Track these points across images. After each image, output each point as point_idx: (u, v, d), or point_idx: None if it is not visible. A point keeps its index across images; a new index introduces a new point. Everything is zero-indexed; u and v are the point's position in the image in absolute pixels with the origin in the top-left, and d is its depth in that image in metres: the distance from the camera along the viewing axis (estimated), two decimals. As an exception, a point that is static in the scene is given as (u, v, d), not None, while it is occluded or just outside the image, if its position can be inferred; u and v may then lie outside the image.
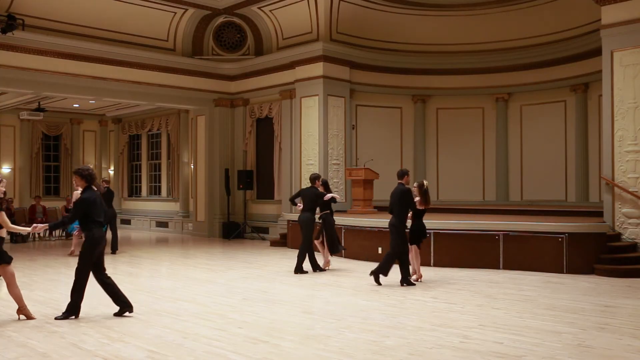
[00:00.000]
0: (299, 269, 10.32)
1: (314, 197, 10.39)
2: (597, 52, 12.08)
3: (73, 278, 6.79)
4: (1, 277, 6.82)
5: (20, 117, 20.55)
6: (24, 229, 7.18)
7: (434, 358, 5.16)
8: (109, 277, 6.92)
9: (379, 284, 8.95)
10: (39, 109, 19.46)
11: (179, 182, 19.92)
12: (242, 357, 5.22)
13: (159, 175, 21.57)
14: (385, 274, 9.00)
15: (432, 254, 11.07)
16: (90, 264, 6.79)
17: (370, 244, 11.94)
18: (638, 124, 10.57)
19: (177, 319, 6.71)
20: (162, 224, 20.41)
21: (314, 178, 10.59)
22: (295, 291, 8.67)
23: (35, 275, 10.17)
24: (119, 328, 6.27)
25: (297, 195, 10.78)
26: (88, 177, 6.84)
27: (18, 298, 6.68)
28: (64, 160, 22.74)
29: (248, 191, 17.36)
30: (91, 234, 6.74)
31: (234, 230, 17.22)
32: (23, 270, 10.81)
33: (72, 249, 13.25)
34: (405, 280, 8.93)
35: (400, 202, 8.89)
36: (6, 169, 20.98)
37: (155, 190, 21.70)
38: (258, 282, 9.45)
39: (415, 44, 16.47)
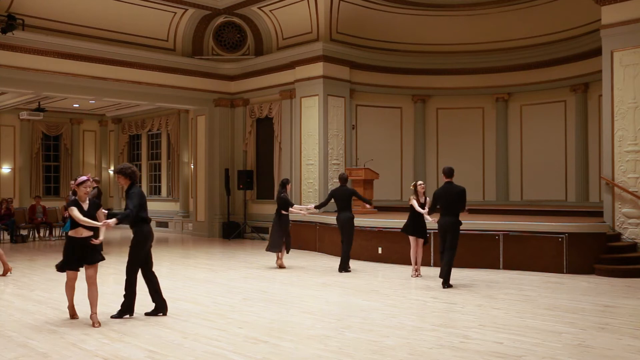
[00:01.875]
0: (343, 268, 10.49)
1: (349, 195, 10.57)
2: (597, 52, 12.09)
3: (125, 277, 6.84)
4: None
5: (20, 117, 20.54)
6: (95, 223, 6.51)
7: (434, 358, 5.15)
8: (154, 274, 6.93)
9: (450, 286, 8.74)
10: (39, 109, 19.46)
11: (179, 182, 19.93)
12: (242, 357, 5.22)
13: (159, 175, 21.58)
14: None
15: (432, 254, 11.08)
16: (140, 260, 6.81)
17: (370, 244, 11.95)
18: (638, 124, 10.57)
19: (177, 319, 6.71)
20: (162, 224, 20.40)
21: (345, 178, 10.80)
22: (295, 291, 8.67)
23: (35, 275, 10.17)
24: (119, 328, 6.26)
25: (329, 198, 10.82)
26: (132, 175, 6.82)
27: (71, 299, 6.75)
28: (64, 160, 22.76)
29: (248, 191, 17.36)
30: (140, 230, 6.75)
31: (234, 230, 17.22)
32: (23, 270, 10.82)
33: None
34: (448, 283, 8.76)
35: (460, 201, 8.79)
36: (6, 169, 20.99)
37: (155, 190, 21.69)
38: (258, 282, 9.45)
39: (415, 44, 16.47)
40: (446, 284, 8.74)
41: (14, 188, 20.73)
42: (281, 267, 11.14)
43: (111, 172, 23.26)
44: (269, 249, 11.16)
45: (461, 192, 8.81)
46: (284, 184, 11.24)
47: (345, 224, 10.48)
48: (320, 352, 5.35)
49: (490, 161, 16.52)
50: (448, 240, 8.81)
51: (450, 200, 8.82)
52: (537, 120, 15.89)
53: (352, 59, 15.76)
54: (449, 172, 8.99)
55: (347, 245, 10.47)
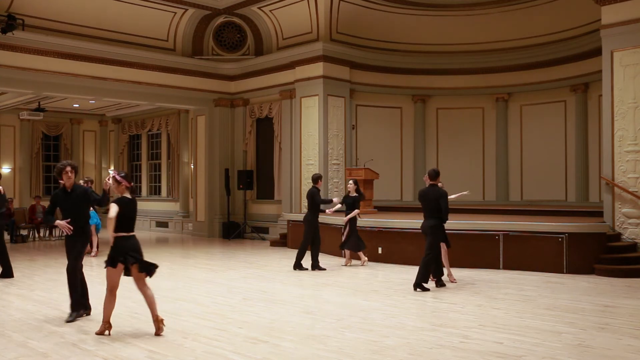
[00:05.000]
0: (298, 266, 10.82)
1: (310, 197, 10.93)
2: (597, 52, 12.08)
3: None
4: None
5: (20, 117, 20.55)
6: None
7: (434, 358, 5.15)
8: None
9: (427, 289, 8.49)
10: (39, 109, 19.45)
11: (179, 182, 19.92)
12: (242, 357, 5.22)
13: (159, 175, 21.57)
14: (427, 281, 8.61)
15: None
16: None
17: (370, 244, 11.92)
18: (638, 124, 10.57)
19: (177, 319, 6.71)
20: (162, 224, 20.40)
21: (315, 179, 11.05)
22: (295, 291, 8.67)
23: (36, 275, 10.17)
24: (119, 328, 6.26)
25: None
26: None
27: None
28: (64, 160, 22.72)
29: (248, 191, 17.36)
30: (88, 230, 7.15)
31: (234, 230, 17.22)
32: (23, 270, 10.82)
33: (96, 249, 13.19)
34: (420, 286, 8.51)
35: (438, 204, 8.55)
36: (6, 169, 20.98)
37: (155, 190, 21.69)
38: (258, 282, 9.45)
39: (415, 44, 16.47)
40: (417, 285, 8.45)
41: (14, 188, 20.72)
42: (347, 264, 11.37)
43: (111, 172, 23.23)
44: (356, 249, 11.20)
45: (440, 196, 8.54)
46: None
47: (305, 225, 10.92)
48: (320, 352, 5.35)
49: (490, 161, 16.52)
50: (427, 243, 8.66)
51: (428, 204, 8.65)
52: (537, 120, 15.89)
53: (352, 59, 15.76)
54: (433, 175, 8.75)
55: (305, 243, 10.82)
